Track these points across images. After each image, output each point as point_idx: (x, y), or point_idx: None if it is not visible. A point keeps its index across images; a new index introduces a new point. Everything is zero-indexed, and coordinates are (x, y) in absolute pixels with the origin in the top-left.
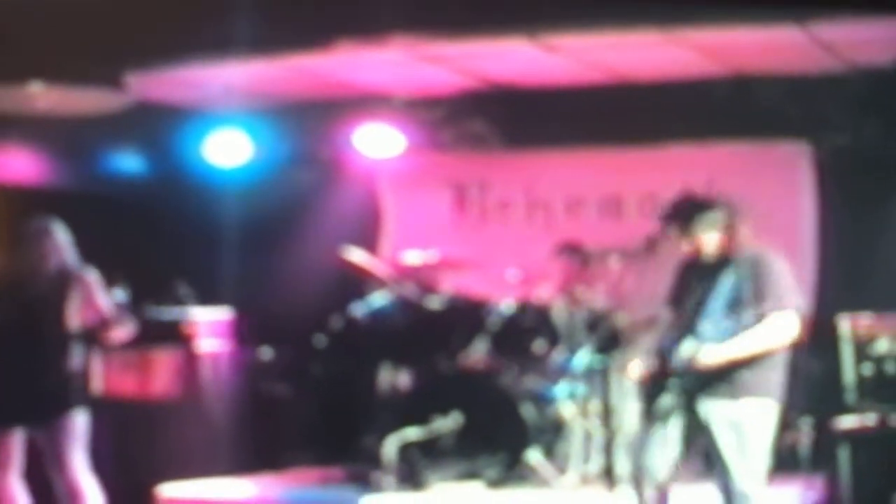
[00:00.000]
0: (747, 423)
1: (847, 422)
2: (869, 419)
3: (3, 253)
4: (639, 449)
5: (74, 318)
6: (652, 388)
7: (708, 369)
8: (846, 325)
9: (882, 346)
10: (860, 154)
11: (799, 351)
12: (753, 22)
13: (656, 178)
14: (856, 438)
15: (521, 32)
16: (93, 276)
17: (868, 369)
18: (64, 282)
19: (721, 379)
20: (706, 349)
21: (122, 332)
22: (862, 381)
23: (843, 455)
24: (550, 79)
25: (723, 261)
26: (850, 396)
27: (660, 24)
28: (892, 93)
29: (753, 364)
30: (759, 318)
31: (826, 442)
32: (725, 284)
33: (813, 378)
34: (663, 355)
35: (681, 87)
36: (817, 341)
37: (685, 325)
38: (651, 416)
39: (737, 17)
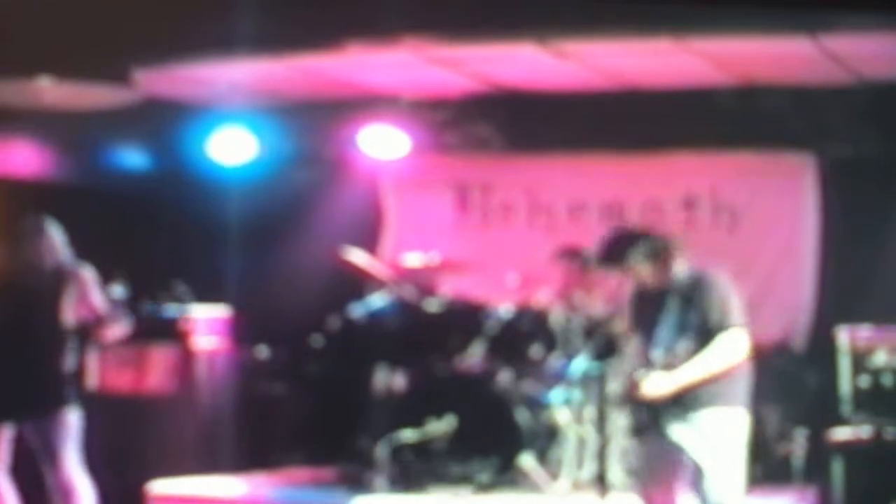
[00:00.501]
0: (717, 433)
1: (842, 434)
2: (864, 431)
3: (13, 247)
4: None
5: (69, 315)
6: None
7: (661, 399)
8: (844, 337)
9: (880, 358)
10: (863, 166)
11: (795, 362)
12: (763, 31)
13: (659, 185)
14: (850, 451)
15: (530, 37)
16: (88, 274)
17: (865, 381)
18: (59, 279)
19: (687, 393)
20: (657, 379)
21: (117, 329)
22: (858, 394)
23: (837, 467)
24: (556, 84)
25: (665, 287)
26: (846, 408)
27: (668, 32)
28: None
29: (717, 377)
30: (708, 338)
31: (820, 453)
32: (671, 310)
33: (809, 389)
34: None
35: (687, 94)
36: (815, 352)
37: (640, 353)
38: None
39: (747, 26)
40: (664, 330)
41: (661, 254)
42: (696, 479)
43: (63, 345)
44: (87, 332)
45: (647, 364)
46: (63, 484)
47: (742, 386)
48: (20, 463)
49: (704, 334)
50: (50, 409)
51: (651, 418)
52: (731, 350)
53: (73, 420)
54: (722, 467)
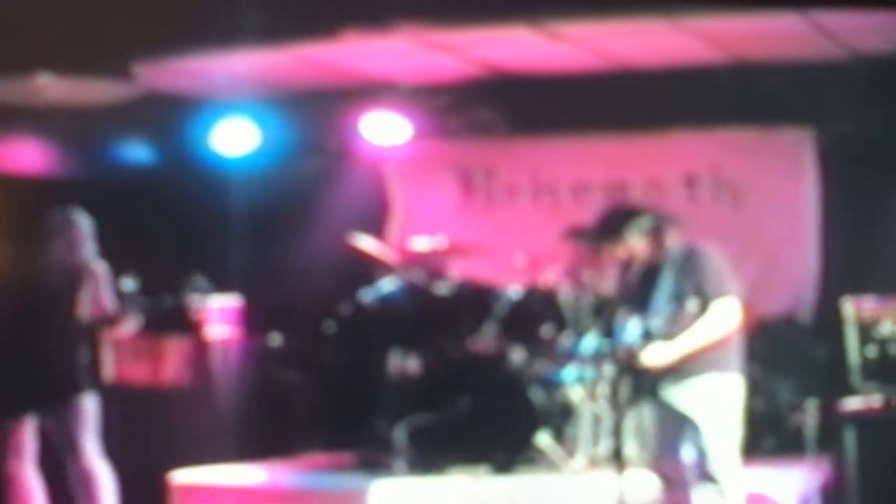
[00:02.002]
0: (715, 397)
1: (852, 404)
2: (874, 401)
3: (22, 242)
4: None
5: (85, 308)
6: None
7: (661, 367)
8: (850, 308)
9: (886, 328)
10: (862, 140)
11: (803, 334)
12: (755, 9)
13: (661, 164)
14: (861, 420)
15: (523, 21)
16: (102, 271)
17: (872, 352)
18: (79, 273)
19: (684, 360)
20: (656, 349)
21: (125, 326)
22: (867, 364)
23: (849, 437)
24: (554, 66)
25: (659, 261)
26: (856, 379)
27: (662, 12)
28: (894, 80)
29: (711, 345)
30: (702, 308)
31: (832, 424)
32: (665, 282)
33: (818, 361)
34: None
35: (683, 74)
36: (822, 324)
37: (637, 324)
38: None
39: (738, 4)
40: (660, 301)
41: (656, 229)
42: (696, 443)
43: (78, 337)
44: (99, 327)
45: (645, 335)
46: (84, 471)
47: (735, 353)
48: (44, 456)
49: (699, 304)
50: (65, 397)
51: (650, 387)
52: (725, 318)
53: (89, 407)
54: (720, 430)
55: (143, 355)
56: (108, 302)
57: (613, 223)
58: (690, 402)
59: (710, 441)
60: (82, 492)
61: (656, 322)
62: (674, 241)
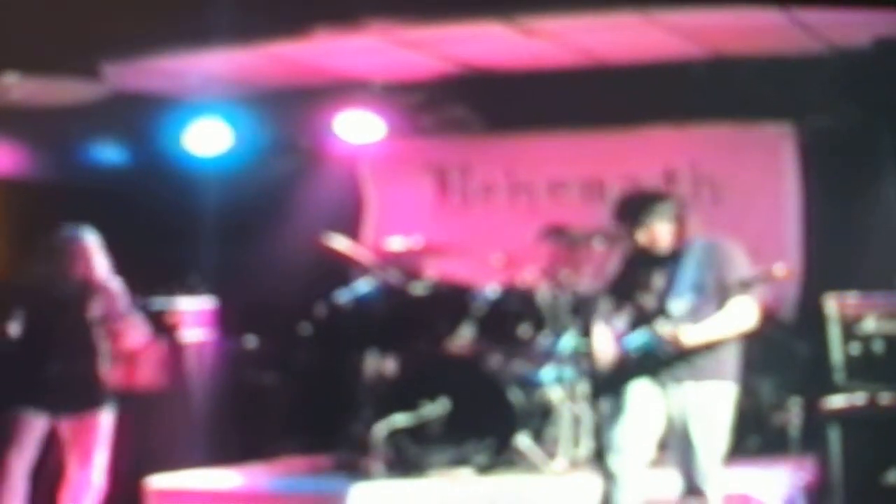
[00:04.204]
0: (710, 406)
1: (836, 402)
2: (858, 399)
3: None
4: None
5: (101, 321)
6: (614, 374)
7: (685, 349)
8: (833, 305)
9: (869, 325)
10: (842, 135)
11: (785, 332)
12: (732, 3)
13: (638, 160)
14: (845, 418)
15: (497, 16)
16: (117, 284)
17: (856, 349)
18: (92, 288)
19: (683, 363)
20: (686, 328)
21: (138, 340)
22: (850, 361)
23: (834, 435)
24: (529, 62)
25: (679, 250)
26: (839, 376)
27: (638, 7)
28: (873, 74)
29: (712, 348)
30: (723, 302)
31: (816, 422)
32: (687, 272)
33: (801, 359)
34: (621, 343)
35: (660, 69)
36: (804, 322)
37: (646, 313)
38: (616, 401)
39: None
40: (681, 288)
41: (680, 215)
42: (678, 452)
43: (100, 348)
44: (111, 339)
45: (665, 317)
46: (87, 481)
47: (735, 359)
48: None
49: (720, 297)
50: (90, 409)
51: (644, 383)
52: (745, 315)
53: (107, 421)
54: (710, 441)
55: (118, 359)
56: (125, 314)
57: (636, 207)
58: (685, 408)
59: (699, 451)
60: (76, 499)
61: (680, 304)
62: (695, 232)
